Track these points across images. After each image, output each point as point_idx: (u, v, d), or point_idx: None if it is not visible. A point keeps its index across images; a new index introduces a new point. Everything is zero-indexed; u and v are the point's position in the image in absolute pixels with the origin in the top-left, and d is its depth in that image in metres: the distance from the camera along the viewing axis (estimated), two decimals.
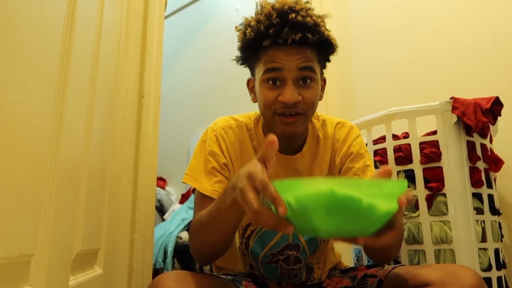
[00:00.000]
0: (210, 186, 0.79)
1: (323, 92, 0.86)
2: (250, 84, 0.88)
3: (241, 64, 0.87)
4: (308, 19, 0.76)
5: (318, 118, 0.92)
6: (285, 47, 0.75)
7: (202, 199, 0.79)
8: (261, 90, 0.79)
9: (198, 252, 0.75)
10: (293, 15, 0.75)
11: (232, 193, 0.60)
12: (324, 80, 0.87)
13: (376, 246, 0.49)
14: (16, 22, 0.43)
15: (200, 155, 0.85)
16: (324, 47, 0.80)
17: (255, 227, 0.83)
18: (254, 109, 0.92)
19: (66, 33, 0.58)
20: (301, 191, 0.47)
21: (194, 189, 0.84)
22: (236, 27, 0.84)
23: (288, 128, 0.77)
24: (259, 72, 0.79)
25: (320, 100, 0.83)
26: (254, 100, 0.85)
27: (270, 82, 0.77)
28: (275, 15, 0.76)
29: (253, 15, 0.80)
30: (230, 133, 0.87)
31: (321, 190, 0.46)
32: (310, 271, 0.85)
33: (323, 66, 0.85)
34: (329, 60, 0.86)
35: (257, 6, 0.80)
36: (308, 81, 0.77)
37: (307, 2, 0.81)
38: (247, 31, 0.79)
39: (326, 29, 0.80)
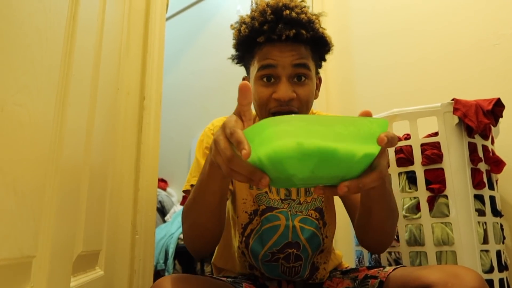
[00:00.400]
0: None
1: (318, 91, 0.85)
2: None
3: (237, 63, 0.87)
4: (303, 16, 0.76)
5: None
6: (279, 44, 0.75)
7: None
8: (255, 87, 0.78)
9: (188, 239, 0.74)
10: (288, 11, 0.75)
11: (209, 157, 0.59)
12: (319, 79, 0.86)
13: (360, 190, 0.45)
14: (18, 23, 0.43)
15: (199, 155, 0.84)
16: (319, 45, 0.80)
17: (254, 225, 0.82)
18: None
19: (68, 35, 0.58)
20: (269, 145, 0.43)
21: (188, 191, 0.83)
22: (231, 25, 0.84)
23: None
24: (253, 70, 0.79)
25: (315, 98, 0.83)
26: None
27: (264, 79, 0.76)
28: (270, 11, 0.76)
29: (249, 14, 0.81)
30: None
31: (289, 145, 0.42)
32: (314, 270, 0.84)
33: (318, 66, 0.84)
34: (324, 59, 0.86)
35: (252, 4, 0.81)
36: (303, 78, 0.77)
37: (302, 0, 0.81)
38: (242, 28, 0.79)
39: (321, 27, 0.80)
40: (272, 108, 0.76)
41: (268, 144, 0.43)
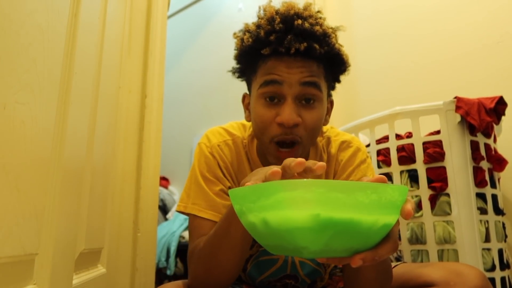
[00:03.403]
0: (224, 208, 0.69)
1: (329, 116, 0.75)
2: (245, 100, 0.77)
3: (238, 77, 0.77)
4: (317, 27, 0.66)
5: (323, 135, 0.80)
6: (287, 58, 0.65)
7: (212, 225, 0.68)
8: (256, 107, 0.68)
9: (202, 285, 0.63)
10: (300, 21, 0.65)
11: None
12: (331, 103, 0.76)
13: (374, 262, 0.41)
14: (20, 22, 0.43)
15: (201, 179, 0.73)
16: (333, 63, 0.70)
17: (254, 252, 0.77)
18: None
19: (70, 33, 0.58)
20: (281, 211, 0.38)
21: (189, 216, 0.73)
22: (234, 34, 0.74)
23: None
24: (255, 86, 0.69)
25: (324, 125, 0.73)
26: (249, 118, 0.75)
27: (267, 98, 0.66)
28: (279, 20, 0.66)
29: (255, 20, 0.71)
30: (227, 151, 0.76)
31: (306, 215, 0.37)
32: (313, 284, 0.81)
33: (331, 87, 0.74)
34: (339, 81, 0.75)
35: (259, 10, 0.71)
36: (311, 101, 0.66)
37: (318, 11, 0.71)
38: (245, 37, 0.68)
39: (338, 43, 0.70)
40: (275, 137, 0.66)
41: (279, 210, 0.38)
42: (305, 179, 0.37)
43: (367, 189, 0.38)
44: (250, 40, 0.68)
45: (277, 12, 0.67)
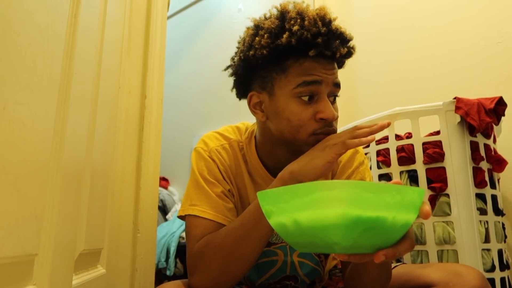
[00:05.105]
0: (229, 211, 0.72)
1: None
2: (253, 100, 0.73)
3: (240, 75, 0.75)
4: (348, 33, 0.70)
5: None
6: (323, 60, 0.68)
7: (214, 226, 0.69)
8: (290, 106, 0.67)
9: (212, 282, 0.64)
10: (336, 26, 0.68)
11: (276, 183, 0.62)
12: None
13: (394, 258, 0.46)
14: (19, 23, 0.43)
15: (203, 181, 0.74)
16: (341, 64, 0.76)
17: None
18: None
19: (69, 34, 0.58)
20: (316, 210, 0.41)
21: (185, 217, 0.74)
22: (248, 29, 0.72)
23: None
24: (287, 85, 0.68)
25: None
26: (263, 118, 0.72)
27: (306, 97, 0.67)
28: (321, 23, 0.66)
29: (266, 18, 0.71)
30: (224, 155, 0.77)
31: (341, 212, 0.40)
32: (312, 284, 0.82)
33: None
34: None
35: (279, 8, 0.70)
36: (335, 98, 0.72)
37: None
38: (285, 36, 0.66)
39: None
40: (318, 129, 0.67)
41: (315, 209, 0.41)
42: (338, 180, 0.44)
43: (393, 190, 0.43)
44: (293, 40, 0.66)
45: (317, 14, 0.67)
